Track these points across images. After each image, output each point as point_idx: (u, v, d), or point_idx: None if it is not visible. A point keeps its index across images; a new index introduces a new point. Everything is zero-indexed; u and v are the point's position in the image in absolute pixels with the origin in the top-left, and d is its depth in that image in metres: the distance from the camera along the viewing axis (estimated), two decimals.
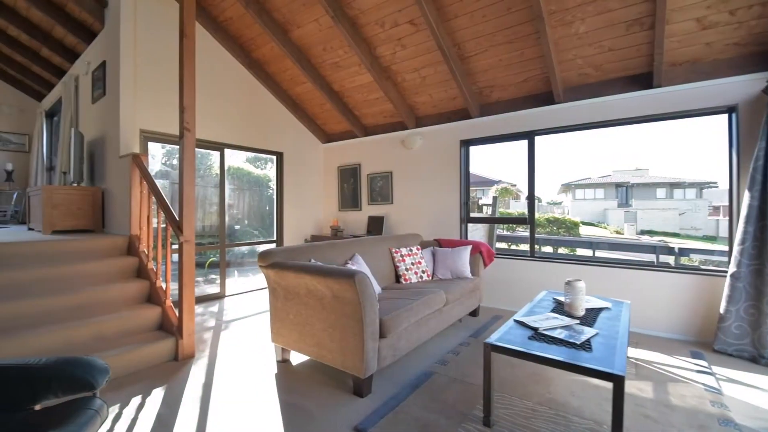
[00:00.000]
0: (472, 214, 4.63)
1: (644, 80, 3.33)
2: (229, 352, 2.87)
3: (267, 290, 4.87)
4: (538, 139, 3.99)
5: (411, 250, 3.65)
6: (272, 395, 2.21)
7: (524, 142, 4.05)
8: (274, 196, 5.51)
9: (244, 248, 5.92)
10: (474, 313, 3.74)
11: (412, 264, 3.56)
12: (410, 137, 4.87)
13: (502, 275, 4.12)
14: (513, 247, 8.00)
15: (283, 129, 5.45)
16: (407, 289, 3.07)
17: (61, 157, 4.56)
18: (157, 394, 2.21)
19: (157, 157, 5.22)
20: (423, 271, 3.56)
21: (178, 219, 2.76)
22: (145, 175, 3.09)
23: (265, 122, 5.18)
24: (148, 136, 3.91)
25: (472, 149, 4.57)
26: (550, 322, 2.15)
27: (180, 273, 2.74)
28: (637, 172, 15.53)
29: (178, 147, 4.77)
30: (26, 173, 6.17)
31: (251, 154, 5.53)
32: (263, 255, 2.58)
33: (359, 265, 3.02)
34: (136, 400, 2.14)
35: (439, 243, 3.99)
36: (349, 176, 5.69)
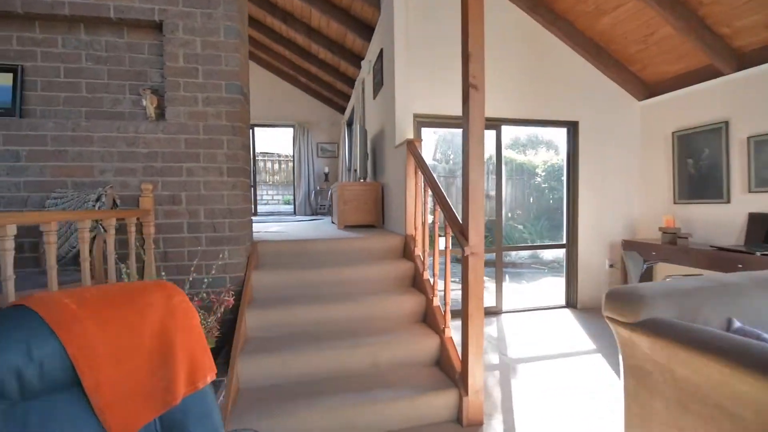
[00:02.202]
0: None
1: None
2: (535, 426, 1.81)
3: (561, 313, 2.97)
4: None
5: None
6: None
7: None
8: (564, 184, 4.09)
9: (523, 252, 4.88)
10: None
11: None
12: None
13: None
14: None
15: (578, 88, 3.90)
16: None
17: (354, 156, 4.96)
18: None
19: (428, 150, 4.88)
20: None
21: (461, 221, 1.93)
22: (420, 164, 2.49)
23: (552, 83, 3.82)
24: (421, 121, 3.45)
25: None
26: None
27: (464, 298, 1.91)
28: None
29: (444, 135, 4.26)
30: (336, 174, 7.56)
31: (510, 139, 4.35)
32: (618, 299, 1.31)
33: None
34: None
35: None
36: (697, 145, 3.48)
